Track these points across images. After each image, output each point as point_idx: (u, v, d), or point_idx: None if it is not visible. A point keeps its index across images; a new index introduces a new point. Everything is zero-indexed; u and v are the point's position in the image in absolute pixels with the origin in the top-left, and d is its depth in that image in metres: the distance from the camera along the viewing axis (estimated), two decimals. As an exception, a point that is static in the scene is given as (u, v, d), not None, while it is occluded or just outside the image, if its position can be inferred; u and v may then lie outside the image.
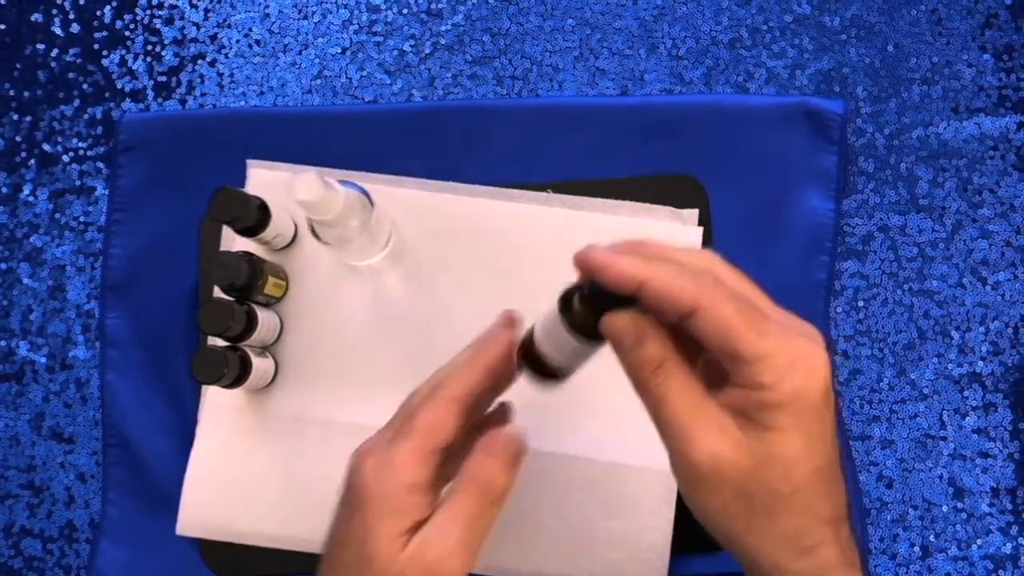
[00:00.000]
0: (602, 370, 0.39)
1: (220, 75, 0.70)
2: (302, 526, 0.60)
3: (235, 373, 0.57)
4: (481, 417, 0.44)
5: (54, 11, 0.72)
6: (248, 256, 0.58)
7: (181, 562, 0.62)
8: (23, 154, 0.70)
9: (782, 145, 0.65)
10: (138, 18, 0.71)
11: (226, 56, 0.70)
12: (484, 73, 0.69)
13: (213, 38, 0.71)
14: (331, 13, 0.71)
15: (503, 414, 0.46)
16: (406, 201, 0.64)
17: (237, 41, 0.70)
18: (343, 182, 0.53)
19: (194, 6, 0.71)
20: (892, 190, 0.66)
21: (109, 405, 0.64)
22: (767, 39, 0.69)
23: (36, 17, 0.72)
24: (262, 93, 0.70)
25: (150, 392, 0.64)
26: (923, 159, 0.67)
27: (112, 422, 0.64)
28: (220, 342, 0.59)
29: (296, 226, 0.64)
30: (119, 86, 0.70)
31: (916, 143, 0.67)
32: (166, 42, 0.71)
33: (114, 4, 0.71)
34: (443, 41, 0.70)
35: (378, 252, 0.61)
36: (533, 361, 0.39)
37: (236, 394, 0.62)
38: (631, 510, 0.60)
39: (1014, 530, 0.63)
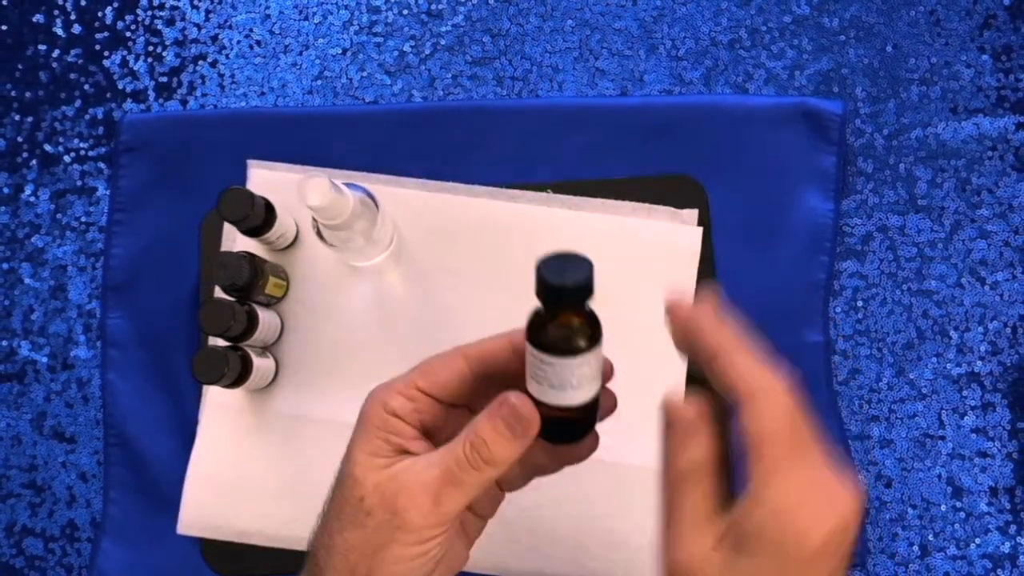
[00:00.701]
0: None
1: (221, 76, 0.70)
2: (303, 526, 0.60)
3: (236, 373, 0.57)
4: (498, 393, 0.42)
5: (56, 12, 0.72)
6: (249, 256, 0.58)
7: (182, 561, 0.63)
8: (24, 154, 0.70)
9: (781, 145, 0.66)
10: (139, 19, 0.71)
11: (227, 57, 0.70)
12: (484, 74, 0.69)
13: (214, 39, 0.71)
14: (332, 14, 0.71)
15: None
16: (406, 201, 0.64)
17: (238, 42, 0.71)
18: (349, 184, 0.53)
19: (195, 7, 0.71)
20: (891, 190, 0.67)
21: (110, 405, 0.65)
22: (766, 40, 0.69)
23: (38, 18, 0.72)
24: (263, 94, 0.70)
25: (151, 392, 0.65)
26: (922, 159, 0.67)
27: (113, 422, 0.64)
28: (221, 342, 0.59)
29: (298, 226, 0.64)
30: (120, 87, 0.70)
31: (915, 143, 0.67)
32: (167, 43, 0.71)
33: (115, 5, 0.72)
34: (443, 42, 0.70)
35: (380, 253, 0.61)
36: (548, 421, 0.37)
37: (237, 394, 0.62)
38: (631, 510, 0.60)
39: (1012, 529, 0.63)
